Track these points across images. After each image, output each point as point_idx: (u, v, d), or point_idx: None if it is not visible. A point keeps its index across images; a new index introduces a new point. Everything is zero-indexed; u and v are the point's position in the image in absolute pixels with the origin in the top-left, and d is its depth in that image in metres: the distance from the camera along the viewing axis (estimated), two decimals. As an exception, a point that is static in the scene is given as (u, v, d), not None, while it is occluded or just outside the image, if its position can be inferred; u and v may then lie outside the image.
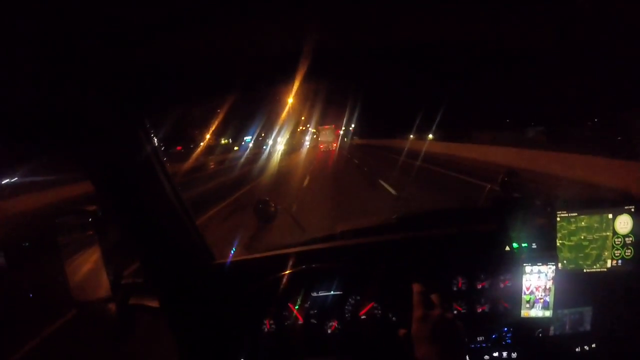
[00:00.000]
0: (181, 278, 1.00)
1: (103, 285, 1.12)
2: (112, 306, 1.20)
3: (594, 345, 1.14)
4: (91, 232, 1.13)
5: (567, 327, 1.12)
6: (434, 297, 0.78)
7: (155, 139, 0.91)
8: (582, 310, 1.13)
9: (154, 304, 1.13)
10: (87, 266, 1.14)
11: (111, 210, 0.98)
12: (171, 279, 1.01)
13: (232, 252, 1.07)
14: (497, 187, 1.18)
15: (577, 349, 1.14)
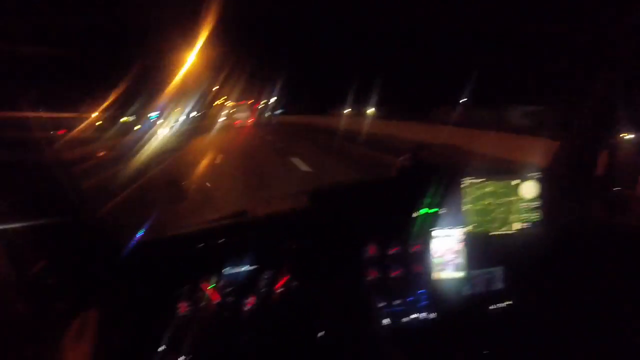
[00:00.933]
0: (88, 272, 0.95)
1: (8, 286, 1.04)
2: (20, 307, 1.12)
3: (508, 303, 1.23)
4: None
5: (480, 286, 1.20)
6: None
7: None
8: (493, 271, 1.21)
9: (66, 304, 1.07)
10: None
11: (8, 210, 0.91)
12: (77, 274, 0.95)
13: (138, 235, 1.03)
14: (407, 161, 1.24)
15: (492, 307, 1.22)
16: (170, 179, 1.20)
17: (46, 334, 1.19)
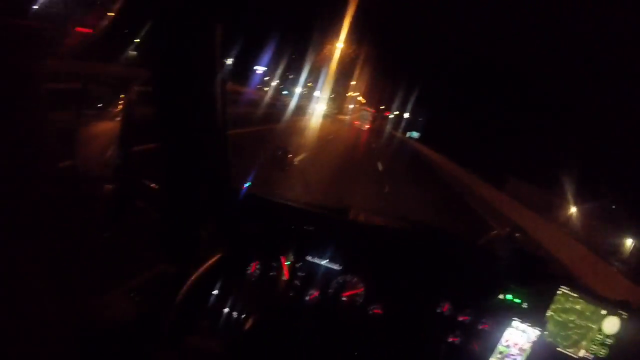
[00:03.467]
0: (194, 189, 0.97)
1: (109, 165, 1.09)
2: (108, 188, 1.17)
3: None
4: (117, 106, 1.09)
5: (519, 392, 1.14)
6: None
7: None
8: (538, 384, 1.15)
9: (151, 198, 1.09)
10: (100, 140, 1.11)
11: (157, 95, 0.94)
12: (185, 185, 0.98)
13: (248, 184, 1.04)
14: (502, 234, 1.19)
15: None
16: (281, 146, 1.21)
17: (116, 218, 1.23)
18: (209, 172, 0.98)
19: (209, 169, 0.97)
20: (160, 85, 0.89)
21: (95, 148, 1.11)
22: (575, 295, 1.10)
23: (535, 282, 1.08)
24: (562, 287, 1.09)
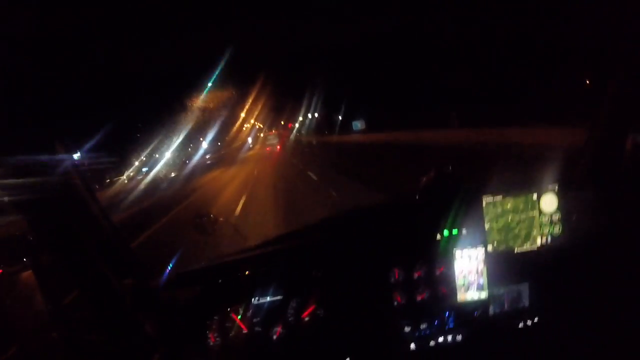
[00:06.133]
0: (119, 302, 0.98)
1: (43, 315, 1.08)
2: (55, 336, 1.16)
3: (535, 320, 1.20)
4: (23, 260, 1.10)
5: (505, 305, 1.18)
6: None
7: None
8: (518, 288, 1.19)
9: (98, 333, 1.10)
10: (25, 296, 1.11)
11: (39, 234, 0.95)
12: (109, 305, 0.98)
13: (169, 268, 1.06)
14: (431, 180, 1.24)
15: (519, 325, 1.19)
16: (200, 212, 1.24)
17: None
18: (123, 280, 0.98)
19: (122, 277, 0.98)
20: (34, 222, 0.90)
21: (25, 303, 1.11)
22: (499, 197, 1.17)
23: (460, 207, 1.13)
24: (483, 196, 1.15)
